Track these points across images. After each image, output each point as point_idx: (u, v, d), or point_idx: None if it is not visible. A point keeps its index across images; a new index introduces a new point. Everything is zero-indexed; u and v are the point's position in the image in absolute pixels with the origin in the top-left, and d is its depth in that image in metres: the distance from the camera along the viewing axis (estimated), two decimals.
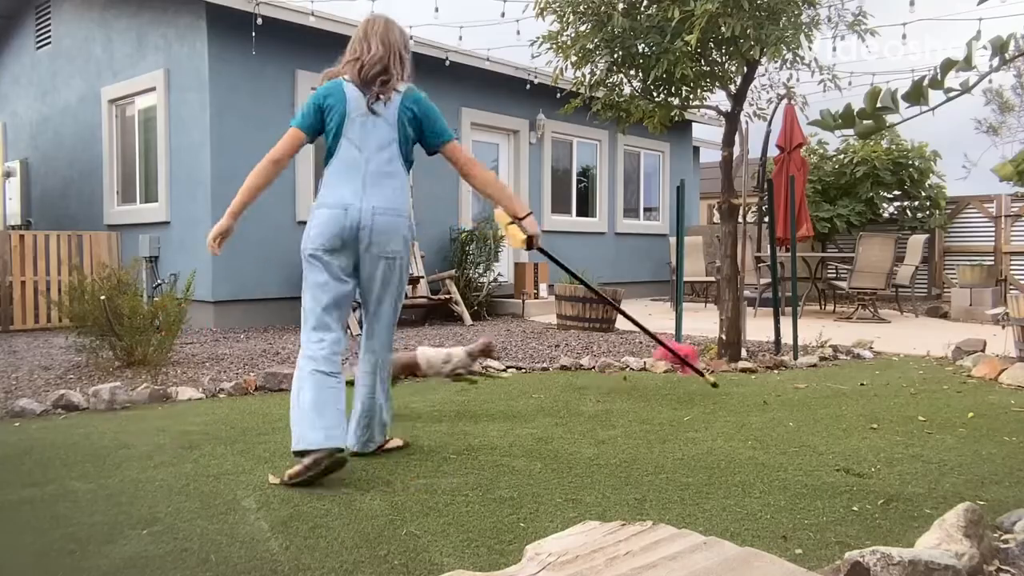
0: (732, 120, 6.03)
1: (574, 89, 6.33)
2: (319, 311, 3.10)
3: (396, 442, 3.47)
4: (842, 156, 12.18)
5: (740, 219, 6.73)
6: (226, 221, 3.18)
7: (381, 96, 3.13)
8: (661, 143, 13.72)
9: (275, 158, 3.16)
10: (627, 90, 6.20)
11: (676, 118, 6.60)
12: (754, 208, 11.39)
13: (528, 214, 3.38)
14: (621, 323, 8.78)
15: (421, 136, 3.23)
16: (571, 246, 11.99)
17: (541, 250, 3.56)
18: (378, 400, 3.32)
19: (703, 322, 8.45)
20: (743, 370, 5.62)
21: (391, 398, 3.46)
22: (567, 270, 4.28)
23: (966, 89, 2.22)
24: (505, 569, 1.83)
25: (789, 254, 6.90)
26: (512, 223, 3.42)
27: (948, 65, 2.18)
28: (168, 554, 2.25)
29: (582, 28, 5.67)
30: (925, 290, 12.38)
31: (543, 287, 10.58)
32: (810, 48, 5.54)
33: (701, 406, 4.39)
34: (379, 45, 3.17)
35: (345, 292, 3.15)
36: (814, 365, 5.94)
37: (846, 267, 10.41)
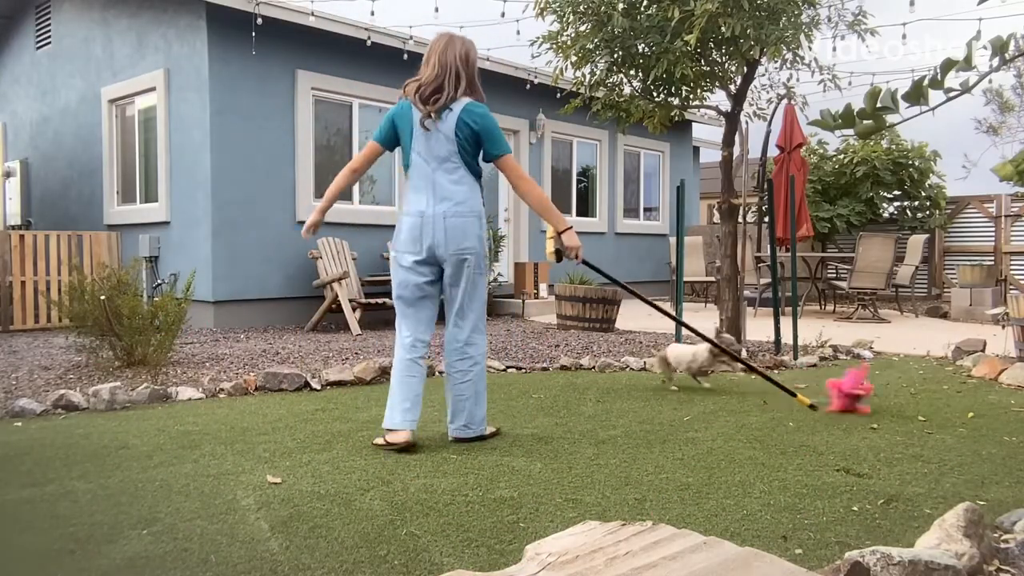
0: (732, 120, 6.03)
1: (574, 89, 6.34)
2: (403, 309, 3.55)
3: (490, 430, 3.69)
4: (842, 156, 12.18)
5: (740, 219, 6.73)
6: (316, 216, 3.67)
7: (432, 114, 3.41)
8: (661, 143, 13.72)
9: (353, 167, 3.63)
10: (627, 90, 6.20)
11: (676, 118, 6.60)
12: (754, 208, 11.39)
13: (567, 228, 3.57)
14: (621, 323, 8.78)
15: (481, 147, 3.50)
16: None
17: (585, 262, 3.73)
18: (457, 391, 3.59)
19: (703, 322, 8.44)
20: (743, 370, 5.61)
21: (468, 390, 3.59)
22: (613, 280, 4.22)
23: (966, 89, 2.23)
24: (505, 569, 1.83)
25: (789, 254, 6.89)
26: (553, 236, 3.65)
27: (948, 65, 2.18)
28: (168, 554, 2.25)
29: (582, 28, 5.67)
30: (925, 290, 12.39)
31: (543, 287, 10.59)
32: (810, 48, 5.54)
33: (701, 406, 4.39)
34: (436, 66, 3.47)
35: (424, 291, 3.54)
36: (814, 365, 5.94)
37: (846, 267, 10.41)
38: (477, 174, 3.52)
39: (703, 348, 4.73)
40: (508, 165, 3.50)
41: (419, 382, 3.51)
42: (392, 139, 3.55)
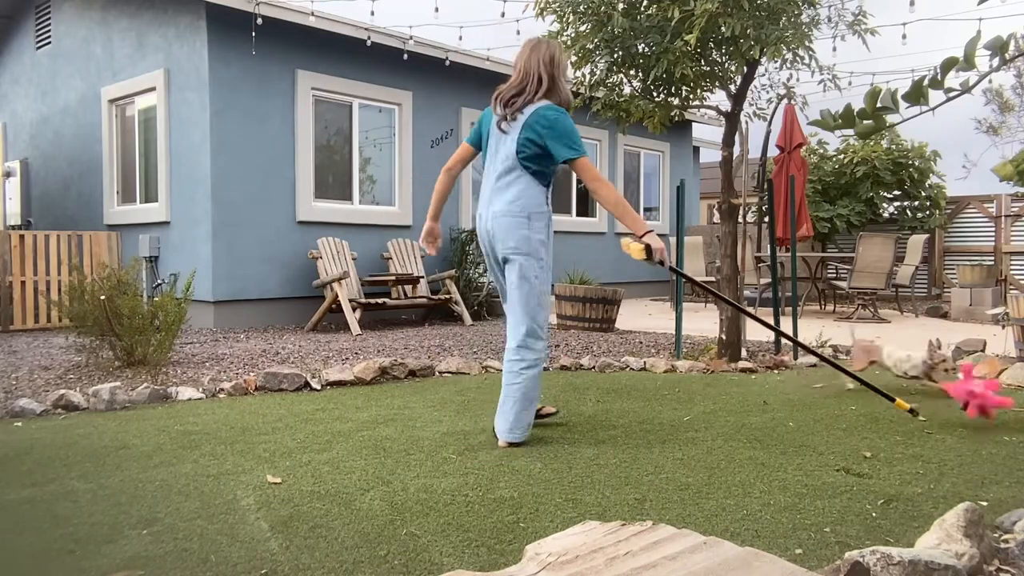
0: (732, 120, 6.03)
1: (574, 89, 6.33)
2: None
3: (549, 409, 3.90)
4: (842, 156, 12.18)
5: (740, 219, 6.73)
6: (429, 223, 3.83)
7: (507, 117, 3.51)
8: (661, 143, 13.72)
9: (448, 167, 3.79)
10: (627, 90, 6.20)
11: (676, 118, 6.60)
12: (754, 208, 11.40)
13: (648, 231, 3.50)
14: (621, 323, 8.78)
15: (549, 150, 3.46)
16: (571, 246, 12.00)
17: (673, 269, 3.82)
18: (506, 391, 3.50)
19: (703, 322, 8.46)
20: (743, 370, 5.62)
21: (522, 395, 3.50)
22: (699, 284, 4.51)
23: (966, 89, 2.23)
24: (505, 569, 1.83)
25: (789, 254, 6.89)
26: (632, 241, 3.60)
27: (948, 65, 2.18)
28: (168, 554, 2.25)
29: (582, 28, 5.67)
30: (925, 290, 12.39)
31: None
32: (810, 48, 5.53)
33: (701, 406, 4.39)
34: (520, 71, 3.56)
35: (504, 292, 3.65)
36: (814, 365, 5.94)
37: (846, 267, 10.41)
38: (538, 174, 3.49)
39: (919, 355, 4.64)
40: (581, 167, 3.45)
41: (505, 389, 3.50)
42: (479, 141, 3.70)
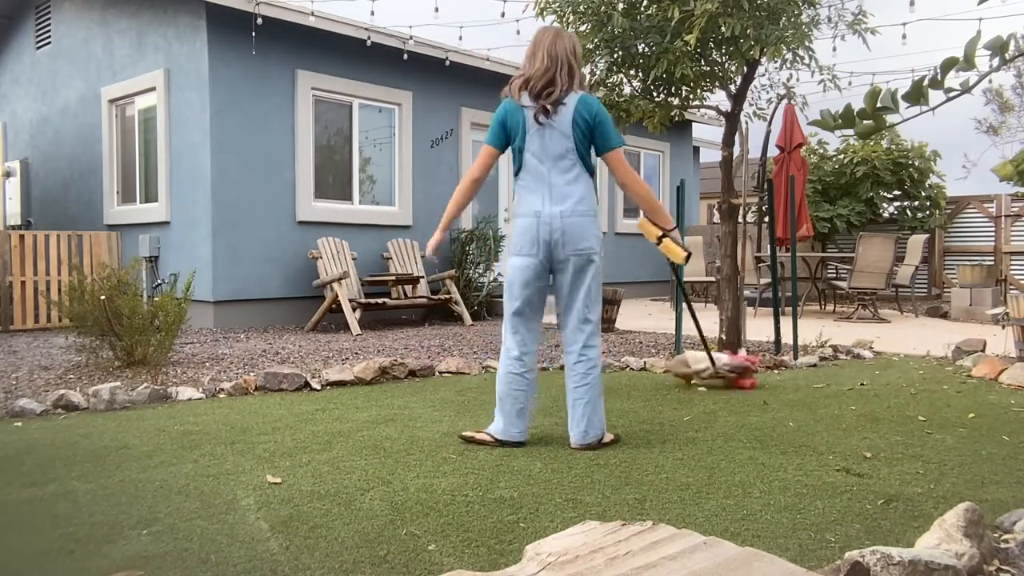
0: (732, 120, 6.03)
1: None
2: (514, 319, 3.50)
3: (609, 437, 3.54)
4: (842, 156, 12.19)
5: (740, 219, 6.73)
6: (439, 235, 3.59)
7: (548, 108, 3.31)
8: (661, 143, 13.72)
9: (474, 177, 3.50)
10: (627, 90, 6.20)
11: (676, 118, 6.60)
12: (754, 208, 11.40)
13: (674, 228, 3.60)
14: (621, 323, 8.78)
15: (594, 141, 3.40)
16: None
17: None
18: (575, 395, 3.47)
19: (703, 322, 8.44)
20: None
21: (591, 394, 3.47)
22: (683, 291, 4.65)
23: (966, 89, 2.23)
24: (505, 569, 1.83)
25: (789, 254, 6.89)
26: (662, 236, 3.62)
27: (948, 65, 2.18)
28: (168, 554, 2.25)
29: (582, 28, 5.67)
30: (925, 290, 12.39)
31: None
32: (810, 48, 5.54)
33: (701, 406, 4.39)
34: (545, 59, 3.35)
35: (538, 298, 3.49)
36: (814, 365, 5.94)
37: (846, 267, 10.41)
38: (591, 171, 3.42)
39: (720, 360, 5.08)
40: (617, 159, 3.40)
41: (525, 395, 3.50)
42: (504, 140, 3.45)
